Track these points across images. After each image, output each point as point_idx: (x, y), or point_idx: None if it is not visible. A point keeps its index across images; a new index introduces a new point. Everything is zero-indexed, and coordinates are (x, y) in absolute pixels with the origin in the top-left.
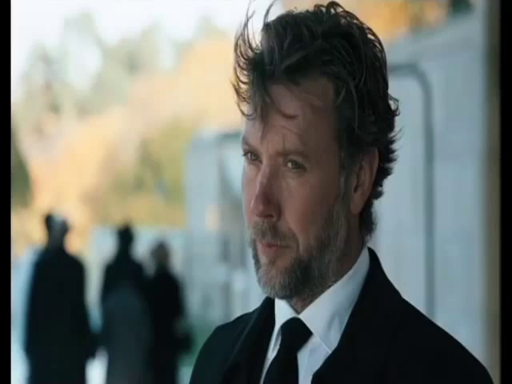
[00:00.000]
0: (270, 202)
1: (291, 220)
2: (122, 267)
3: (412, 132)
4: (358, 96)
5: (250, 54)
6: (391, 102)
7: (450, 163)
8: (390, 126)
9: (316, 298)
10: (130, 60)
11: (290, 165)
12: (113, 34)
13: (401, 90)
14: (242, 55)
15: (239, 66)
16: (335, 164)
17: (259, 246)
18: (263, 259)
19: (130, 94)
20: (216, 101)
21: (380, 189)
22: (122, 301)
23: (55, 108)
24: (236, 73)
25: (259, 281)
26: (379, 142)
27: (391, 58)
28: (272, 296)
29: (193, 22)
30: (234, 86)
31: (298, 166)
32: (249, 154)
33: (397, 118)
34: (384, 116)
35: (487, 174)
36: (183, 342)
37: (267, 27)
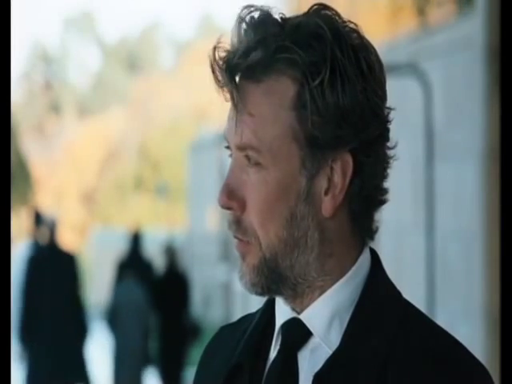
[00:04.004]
0: (232, 195)
1: (252, 215)
2: (131, 265)
3: (412, 132)
4: (318, 97)
5: (222, 49)
6: (388, 107)
7: (451, 163)
8: (360, 129)
9: (316, 298)
10: (130, 60)
11: (248, 160)
12: (113, 33)
13: (401, 89)
14: (216, 51)
15: (215, 61)
16: (295, 163)
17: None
18: (238, 255)
19: (130, 93)
20: (216, 100)
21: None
22: (128, 292)
23: (55, 108)
24: (214, 70)
25: (239, 276)
26: (346, 145)
27: (391, 57)
28: (249, 292)
29: (193, 21)
30: (216, 82)
31: (255, 161)
32: (229, 148)
33: (397, 118)
34: (350, 119)
35: (487, 173)
36: (192, 330)
37: (237, 23)
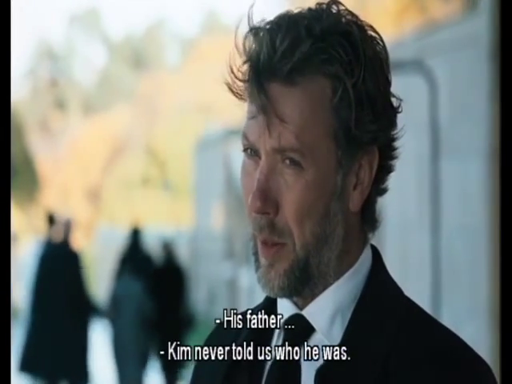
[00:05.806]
0: (267, 199)
1: (288, 215)
2: (132, 259)
3: (418, 128)
4: (355, 95)
5: (248, 52)
6: (393, 100)
7: (456, 159)
8: (391, 124)
9: (318, 294)
10: (136, 57)
11: (287, 162)
12: (118, 30)
13: (407, 86)
14: (240, 53)
15: (238, 63)
16: (332, 162)
17: (259, 245)
18: (263, 261)
19: (136, 90)
20: (221, 97)
21: (383, 186)
22: (127, 285)
23: (61, 105)
24: (232, 70)
25: (259, 280)
26: (378, 141)
27: (397, 54)
28: (272, 296)
29: (198, 18)
30: (227, 84)
31: (294, 163)
32: (248, 150)
33: (402, 115)
34: (384, 114)
35: (493, 170)
36: (187, 321)
37: (266, 26)
